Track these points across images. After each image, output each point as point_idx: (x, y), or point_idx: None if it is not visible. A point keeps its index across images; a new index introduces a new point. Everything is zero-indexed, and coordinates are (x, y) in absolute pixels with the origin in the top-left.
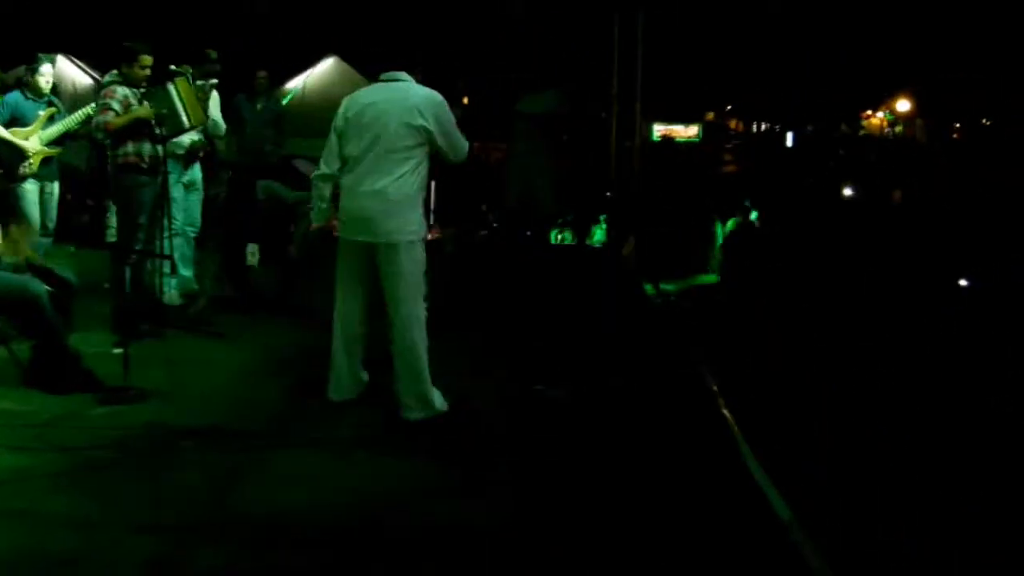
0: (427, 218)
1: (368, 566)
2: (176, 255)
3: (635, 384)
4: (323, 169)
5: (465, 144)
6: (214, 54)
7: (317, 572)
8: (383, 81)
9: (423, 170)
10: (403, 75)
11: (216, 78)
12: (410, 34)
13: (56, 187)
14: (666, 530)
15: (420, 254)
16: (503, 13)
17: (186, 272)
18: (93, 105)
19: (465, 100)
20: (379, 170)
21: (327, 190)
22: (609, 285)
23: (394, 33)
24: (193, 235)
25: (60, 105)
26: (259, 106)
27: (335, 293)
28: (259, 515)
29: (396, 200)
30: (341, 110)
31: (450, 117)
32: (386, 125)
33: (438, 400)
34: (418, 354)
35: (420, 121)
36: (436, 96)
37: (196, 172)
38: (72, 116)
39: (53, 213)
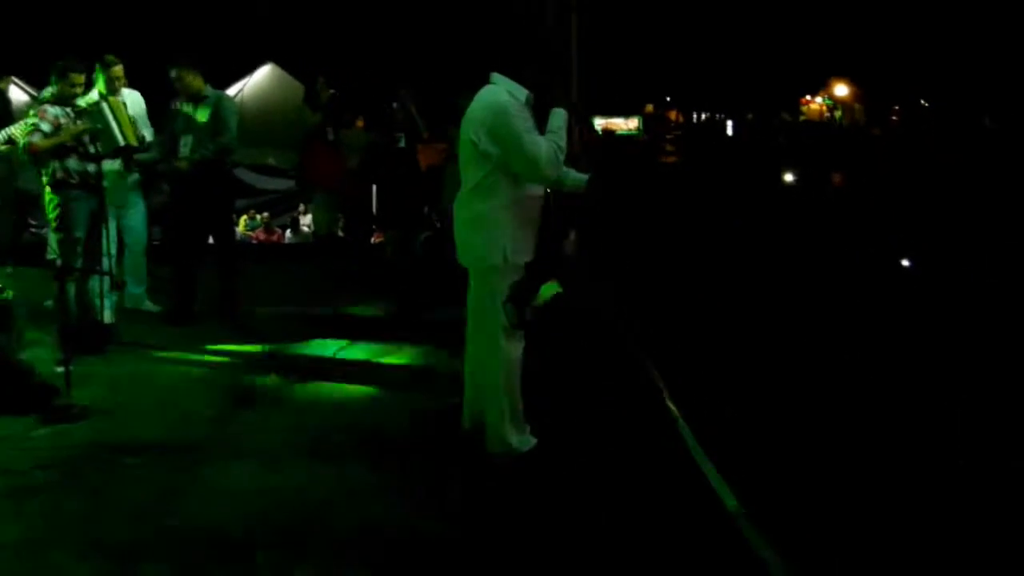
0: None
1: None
2: (125, 273)
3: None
4: None
5: (537, 157)
6: (111, 58)
7: None
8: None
9: (494, 185)
10: (496, 76)
11: (120, 81)
12: (347, 38)
13: None
14: (615, 523)
15: (492, 284)
16: (434, 14)
17: (136, 289)
18: None
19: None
20: (463, 186)
21: None
22: None
23: (330, 37)
24: (140, 251)
25: None
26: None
27: None
28: (199, 529)
29: (465, 219)
30: None
31: (512, 127)
32: (462, 137)
33: (516, 439)
34: (492, 388)
35: (471, 135)
36: (495, 103)
37: (126, 189)
38: None
39: None
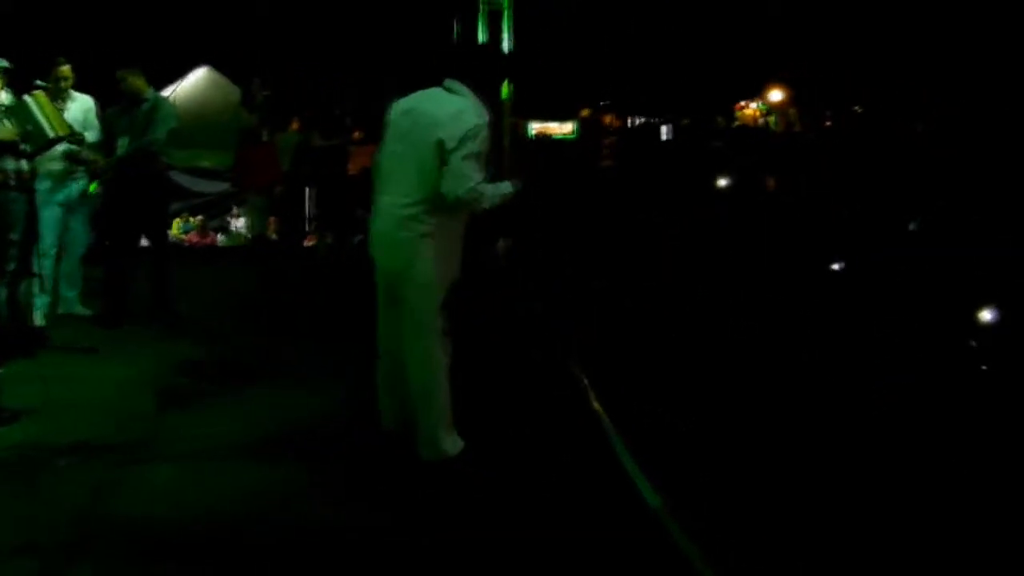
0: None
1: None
2: (61, 276)
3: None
4: None
5: (468, 181)
6: (60, 59)
7: None
8: (444, 89)
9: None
10: (455, 84)
11: (67, 81)
12: (282, 41)
13: None
14: (540, 520)
15: (436, 296)
16: (371, 18)
17: (70, 293)
18: None
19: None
20: (406, 190)
21: None
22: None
23: (266, 41)
24: (78, 254)
25: None
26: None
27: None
28: (132, 529)
29: (419, 232)
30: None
31: (473, 147)
32: (417, 139)
33: (449, 444)
34: (427, 395)
35: (441, 139)
36: (468, 119)
37: (71, 190)
38: None
39: None
